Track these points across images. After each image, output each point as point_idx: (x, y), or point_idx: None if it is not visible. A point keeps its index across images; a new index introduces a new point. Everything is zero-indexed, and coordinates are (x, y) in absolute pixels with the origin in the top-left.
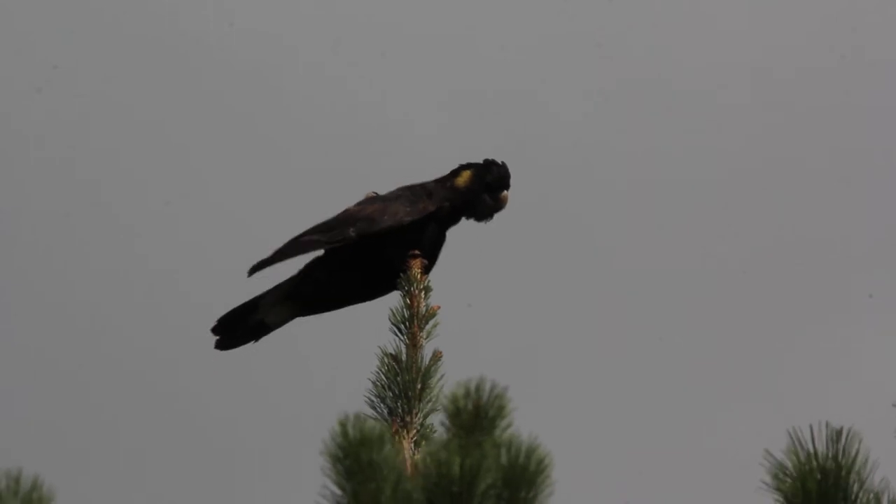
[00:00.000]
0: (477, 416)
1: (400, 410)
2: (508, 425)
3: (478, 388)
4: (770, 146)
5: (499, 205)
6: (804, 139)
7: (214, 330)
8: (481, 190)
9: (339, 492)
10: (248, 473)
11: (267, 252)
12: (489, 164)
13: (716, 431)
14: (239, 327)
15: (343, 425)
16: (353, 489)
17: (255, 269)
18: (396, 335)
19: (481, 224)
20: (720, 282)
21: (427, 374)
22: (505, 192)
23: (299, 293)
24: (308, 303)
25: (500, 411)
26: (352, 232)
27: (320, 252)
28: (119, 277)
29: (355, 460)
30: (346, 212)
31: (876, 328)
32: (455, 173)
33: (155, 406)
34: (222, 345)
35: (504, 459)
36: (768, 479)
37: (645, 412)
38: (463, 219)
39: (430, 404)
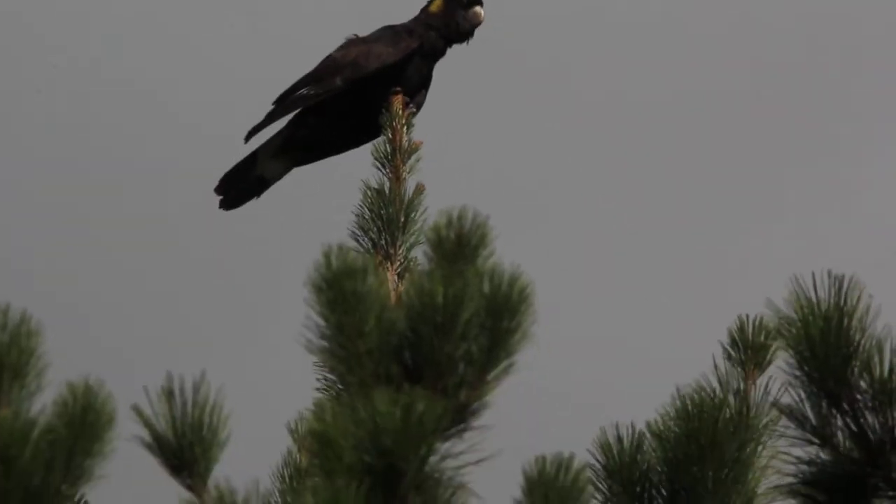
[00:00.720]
0: (459, 246)
1: (383, 243)
2: (490, 254)
3: (460, 217)
4: None
5: (474, 20)
6: None
7: (217, 189)
8: (456, 10)
9: (322, 322)
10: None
11: (260, 115)
12: None
13: (707, 267)
14: (240, 184)
15: (327, 256)
16: (337, 320)
17: (250, 134)
18: (379, 170)
19: (463, 46)
20: (716, 112)
21: (410, 207)
22: (477, 7)
23: (292, 143)
24: (301, 152)
25: (483, 240)
26: (339, 81)
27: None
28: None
29: (339, 290)
30: (329, 59)
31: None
32: (428, 3)
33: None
34: (227, 204)
35: (486, 288)
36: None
37: (635, 251)
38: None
39: (413, 237)
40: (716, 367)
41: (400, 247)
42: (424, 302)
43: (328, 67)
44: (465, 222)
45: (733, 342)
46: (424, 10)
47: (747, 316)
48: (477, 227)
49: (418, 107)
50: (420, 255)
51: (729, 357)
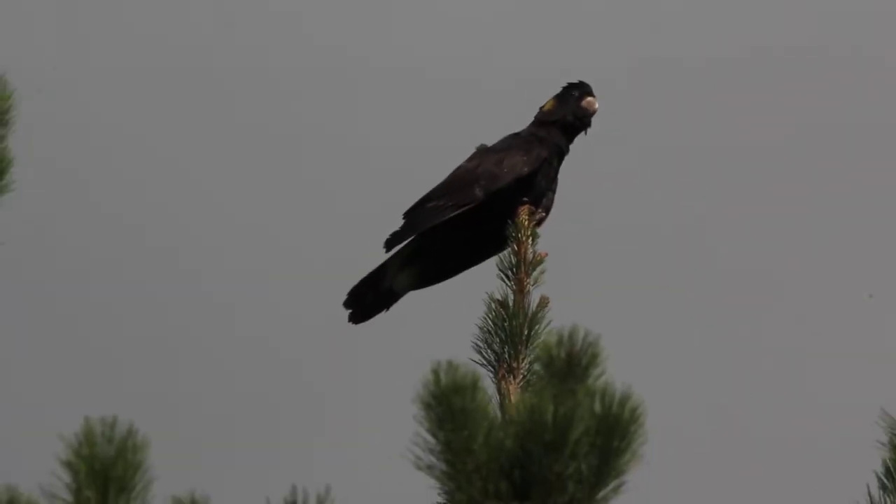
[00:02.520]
0: (570, 365)
1: (507, 356)
2: (601, 374)
3: (570, 337)
4: None
5: (590, 109)
6: None
7: (346, 303)
8: (570, 104)
9: (431, 439)
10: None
11: (396, 221)
12: (567, 86)
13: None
14: (371, 297)
15: (436, 372)
16: (446, 437)
17: (391, 243)
18: (504, 281)
19: (583, 137)
20: None
21: (534, 321)
22: (590, 97)
23: (420, 254)
24: (430, 263)
25: (594, 360)
26: (478, 191)
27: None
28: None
29: (447, 407)
30: (462, 169)
31: None
32: (540, 109)
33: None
34: (356, 317)
35: (597, 408)
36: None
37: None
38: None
39: (536, 350)
40: (870, 497)
41: (523, 360)
42: (534, 420)
43: (463, 178)
44: (575, 341)
45: (888, 472)
46: (539, 111)
47: None
48: (588, 346)
49: (547, 210)
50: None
51: (883, 487)
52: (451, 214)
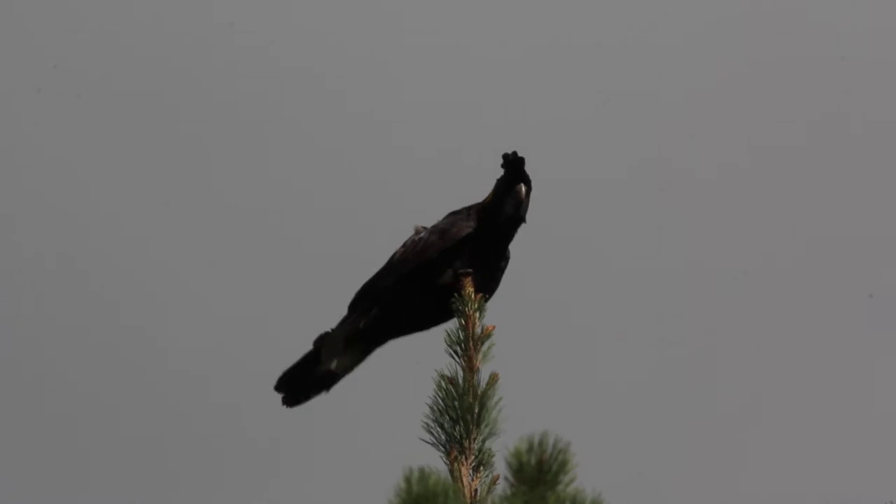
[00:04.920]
0: (540, 471)
1: (458, 435)
2: (572, 480)
3: (541, 443)
4: None
5: (518, 200)
6: None
7: (278, 388)
8: (505, 195)
9: None
10: None
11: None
12: (504, 164)
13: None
14: (306, 381)
15: (408, 480)
16: None
17: (321, 339)
18: (452, 357)
19: (524, 226)
20: None
21: (485, 398)
22: (518, 186)
23: (359, 336)
24: (369, 343)
25: (564, 466)
26: (390, 282)
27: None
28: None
29: None
30: (390, 260)
31: None
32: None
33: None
34: (290, 401)
35: None
36: None
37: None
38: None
39: (488, 429)
40: None
41: (475, 439)
42: None
43: (385, 270)
44: (546, 448)
45: None
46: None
47: None
48: (558, 453)
49: (491, 292)
50: (496, 447)
51: None
52: (372, 306)
